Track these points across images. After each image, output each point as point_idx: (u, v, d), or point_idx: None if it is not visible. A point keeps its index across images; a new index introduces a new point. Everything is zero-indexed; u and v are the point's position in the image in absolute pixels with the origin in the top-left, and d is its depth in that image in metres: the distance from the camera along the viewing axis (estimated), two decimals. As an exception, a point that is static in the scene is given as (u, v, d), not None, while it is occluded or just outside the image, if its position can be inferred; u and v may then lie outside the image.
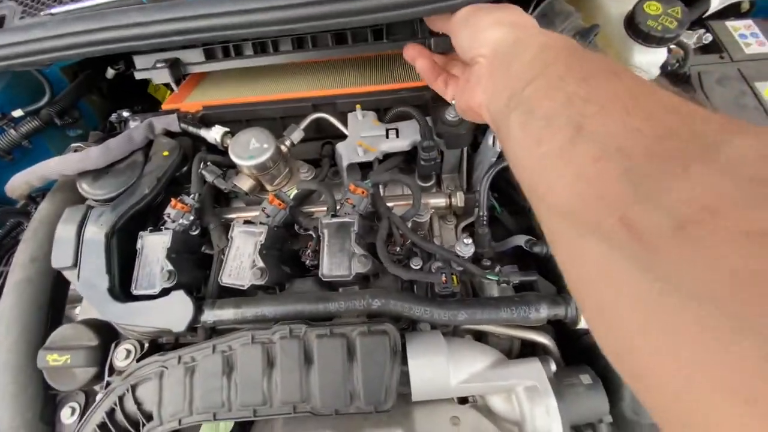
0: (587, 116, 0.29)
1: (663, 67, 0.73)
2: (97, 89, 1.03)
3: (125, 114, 0.90)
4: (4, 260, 0.82)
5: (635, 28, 0.66)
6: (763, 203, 0.19)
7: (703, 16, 0.78)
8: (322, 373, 0.52)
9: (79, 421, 0.63)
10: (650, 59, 0.69)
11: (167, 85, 1.13)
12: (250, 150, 0.64)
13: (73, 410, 0.64)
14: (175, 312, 0.57)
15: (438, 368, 0.52)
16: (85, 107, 1.01)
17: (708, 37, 0.79)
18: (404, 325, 0.59)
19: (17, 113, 0.85)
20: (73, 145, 0.80)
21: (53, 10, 0.63)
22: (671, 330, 0.21)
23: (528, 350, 0.64)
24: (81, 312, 0.68)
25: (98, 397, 0.62)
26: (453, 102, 0.65)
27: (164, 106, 0.80)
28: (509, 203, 0.78)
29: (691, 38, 0.79)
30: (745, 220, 0.18)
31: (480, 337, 0.64)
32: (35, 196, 0.79)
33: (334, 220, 0.62)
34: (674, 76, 0.77)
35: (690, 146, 0.23)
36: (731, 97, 0.72)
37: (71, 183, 0.74)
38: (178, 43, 0.59)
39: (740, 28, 0.80)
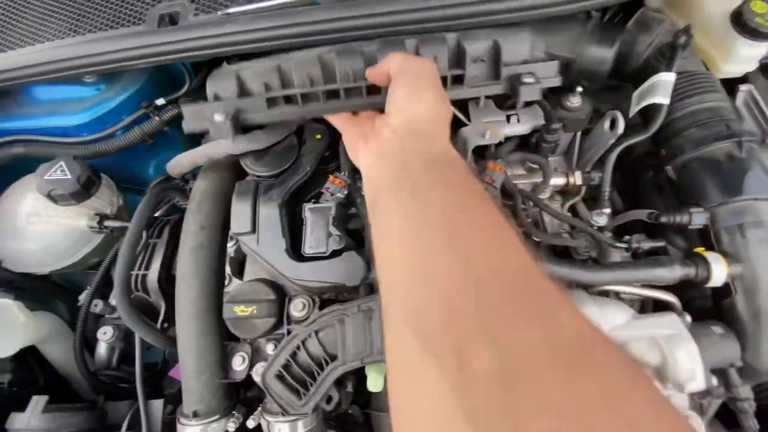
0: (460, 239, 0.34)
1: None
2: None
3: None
4: (150, 234, 0.91)
5: (744, 24, 0.73)
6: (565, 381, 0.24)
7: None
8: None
9: (249, 368, 0.72)
10: (753, 53, 0.77)
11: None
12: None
13: (243, 359, 0.73)
14: (348, 269, 0.66)
15: (591, 319, 0.60)
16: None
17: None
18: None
19: (160, 102, 0.95)
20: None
21: (230, 10, 0.72)
22: None
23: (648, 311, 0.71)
24: (246, 276, 0.77)
25: (268, 348, 0.72)
26: (579, 90, 0.73)
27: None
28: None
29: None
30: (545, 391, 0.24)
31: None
32: (184, 174, 0.88)
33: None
34: (766, 68, 0.84)
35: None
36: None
37: (221, 163, 0.83)
38: (351, 38, 0.68)
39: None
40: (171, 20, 0.76)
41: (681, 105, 0.72)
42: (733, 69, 0.80)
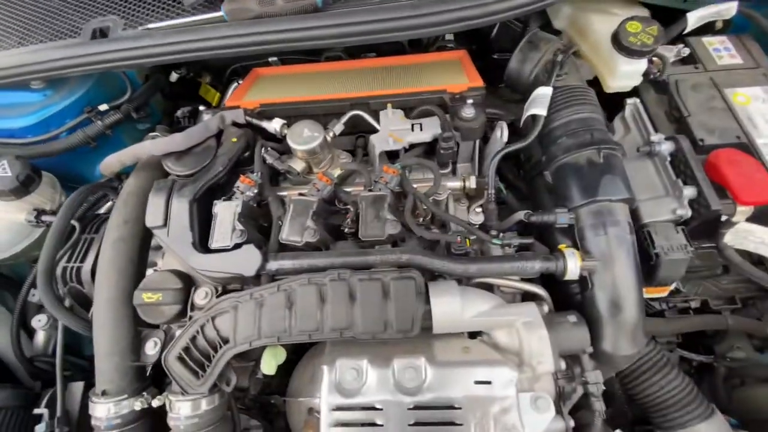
0: None
1: (645, 74, 0.88)
2: (161, 90, 1.21)
3: (187, 110, 1.08)
4: (89, 229, 0.98)
5: (619, 43, 0.81)
6: None
7: (683, 34, 0.93)
8: (363, 307, 0.67)
9: (162, 351, 0.78)
10: (633, 69, 0.84)
11: (215, 87, 1.32)
12: (304, 137, 0.80)
13: (155, 343, 0.79)
14: (246, 261, 0.72)
15: (453, 306, 0.66)
16: (151, 105, 1.19)
17: (686, 51, 0.93)
18: (428, 278, 0.74)
19: (103, 107, 1.02)
20: (150, 134, 0.97)
21: (150, 26, 0.80)
22: None
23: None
24: (163, 265, 0.83)
25: (178, 331, 0.78)
26: (469, 102, 0.81)
27: (227, 104, 0.97)
28: (514, 189, 0.93)
29: (671, 51, 0.93)
30: None
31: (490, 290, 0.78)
32: (120, 175, 0.95)
33: (371, 193, 0.77)
34: (655, 83, 0.92)
35: None
36: (703, 100, 0.86)
37: (151, 163, 0.90)
38: (252, 52, 0.75)
39: (714, 43, 0.94)
40: (102, 34, 0.83)
41: (558, 116, 0.79)
42: (619, 84, 0.87)
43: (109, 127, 1.02)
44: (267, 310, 0.68)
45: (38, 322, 0.93)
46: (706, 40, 0.95)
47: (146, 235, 0.85)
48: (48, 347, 0.98)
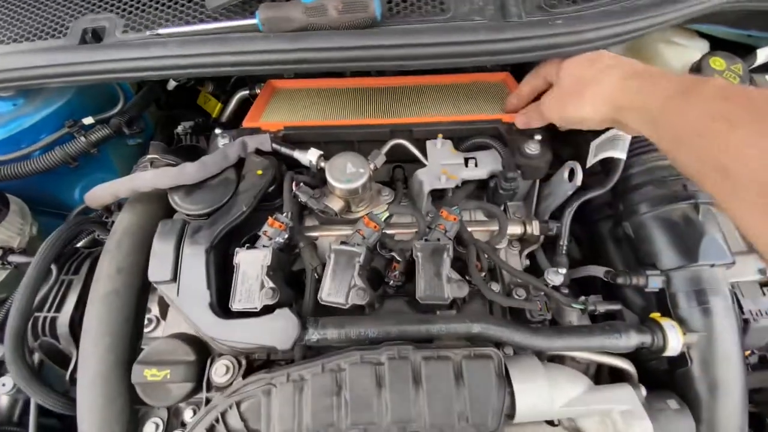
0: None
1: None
2: (155, 100, 1.04)
3: (189, 126, 0.92)
4: (67, 269, 0.80)
5: (701, 80, 0.72)
6: None
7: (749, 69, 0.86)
8: (431, 394, 0.54)
9: (163, 436, 0.63)
10: (710, 108, 0.76)
11: (217, 97, 1.16)
12: (348, 174, 0.67)
13: (157, 426, 0.63)
14: (280, 329, 0.58)
15: (542, 392, 0.55)
16: (144, 117, 1.02)
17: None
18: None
19: (88, 121, 0.85)
20: (147, 157, 0.81)
21: (161, 31, 0.64)
22: None
23: (603, 375, 0.68)
24: (167, 326, 0.68)
25: (187, 414, 0.63)
26: (537, 137, 0.70)
27: (245, 124, 0.82)
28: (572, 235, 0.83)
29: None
30: None
31: (553, 359, 0.68)
32: (109, 206, 0.78)
33: (428, 243, 0.65)
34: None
35: None
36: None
37: (150, 194, 0.74)
38: (291, 70, 0.62)
39: (778, 82, 0.88)
40: (95, 36, 0.67)
41: (638, 160, 0.70)
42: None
43: (95, 144, 0.85)
44: (310, 396, 0.55)
45: (2, 386, 0.75)
46: (770, 77, 0.89)
47: (144, 285, 0.69)
48: (13, 413, 0.80)
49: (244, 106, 1.06)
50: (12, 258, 0.77)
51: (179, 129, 0.92)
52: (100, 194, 0.71)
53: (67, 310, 0.77)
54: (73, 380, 0.75)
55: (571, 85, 0.59)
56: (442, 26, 0.60)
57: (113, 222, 0.75)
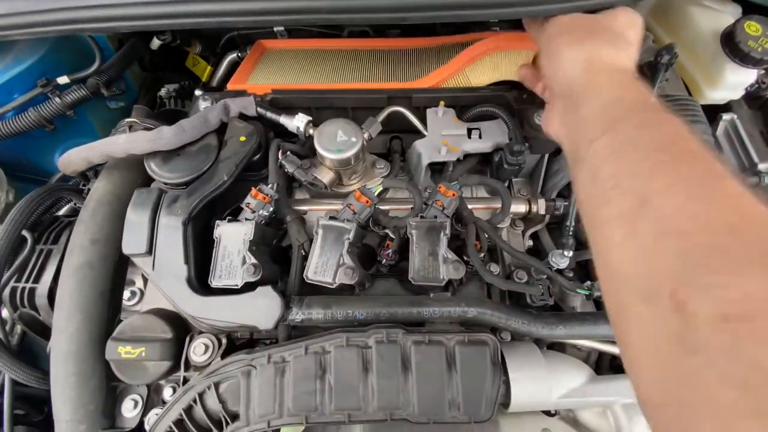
0: (653, 191, 0.31)
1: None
2: (138, 60, 0.97)
3: (173, 89, 0.86)
4: (46, 238, 0.77)
5: (734, 47, 0.65)
6: None
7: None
8: (421, 381, 0.51)
9: (142, 414, 0.60)
10: (741, 79, 0.69)
11: (206, 59, 1.09)
12: (338, 143, 0.61)
13: (136, 403, 0.61)
14: (262, 308, 0.55)
15: (540, 382, 0.51)
16: (126, 78, 0.95)
17: (785, 60, 0.78)
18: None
19: (63, 80, 0.79)
20: (126, 120, 0.75)
21: (133, -26, 0.57)
22: (698, 407, 0.24)
23: (604, 363, 0.64)
24: (145, 301, 0.64)
25: (166, 392, 0.60)
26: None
27: (230, 86, 0.76)
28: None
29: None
30: None
31: (553, 346, 0.64)
32: (86, 173, 0.73)
33: (424, 221, 0.60)
34: (751, 97, 0.77)
35: (750, 249, 0.26)
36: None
37: (128, 161, 0.69)
38: (277, 23, 0.55)
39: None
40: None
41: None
42: (717, 95, 0.72)
43: (71, 106, 0.79)
44: (292, 379, 0.51)
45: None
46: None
47: (122, 257, 0.65)
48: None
49: (236, 69, 1.00)
50: (-17, 225, 0.72)
51: (162, 92, 0.86)
52: (72, 159, 0.66)
53: (46, 281, 0.73)
54: (53, 352, 0.73)
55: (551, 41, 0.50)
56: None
57: (89, 190, 0.70)
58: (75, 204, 0.77)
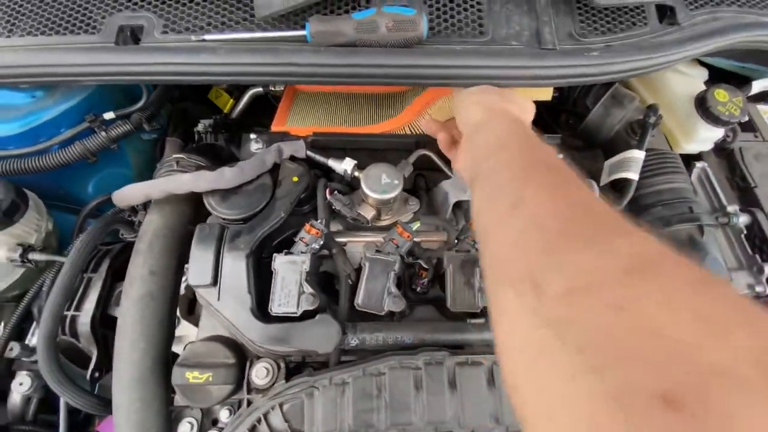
0: (527, 194, 0.39)
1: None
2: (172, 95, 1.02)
3: (209, 124, 0.92)
4: (86, 266, 0.80)
5: (706, 110, 0.79)
6: (628, 286, 0.27)
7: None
8: (464, 397, 0.58)
9: (198, 436, 0.64)
10: (711, 135, 0.83)
11: (229, 93, 1.15)
12: (383, 185, 0.70)
13: (192, 425, 0.65)
14: (322, 334, 0.61)
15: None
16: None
17: (745, 117, 0.94)
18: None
19: (108, 116, 0.83)
20: (174, 156, 0.80)
21: (207, 37, 0.64)
22: (545, 374, 0.27)
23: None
24: (202, 327, 0.69)
25: (222, 414, 0.64)
26: (560, 156, 0.74)
27: (273, 128, 0.83)
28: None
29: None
30: (611, 297, 0.26)
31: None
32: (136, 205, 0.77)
33: (458, 254, 0.69)
34: (720, 149, 0.92)
35: (591, 232, 0.32)
36: (766, 171, 0.87)
37: (178, 195, 0.74)
38: (336, 83, 0.64)
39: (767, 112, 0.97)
40: (133, 36, 0.66)
41: (648, 182, 0.76)
42: (691, 147, 0.86)
43: (115, 140, 0.83)
44: (351, 398, 0.58)
45: (19, 385, 0.74)
46: (761, 107, 0.97)
47: (176, 288, 0.70)
48: (27, 411, 0.78)
49: (256, 103, 1.06)
50: (33, 256, 0.75)
51: (200, 127, 0.91)
52: (130, 194, 0.71)
53: (88, 309, 0.77)
54: (93, 379, 0.76)
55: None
56: (482, 49, 0.63)
57: (139, 222, 0.74)
58: (121, 234, 0.80)
